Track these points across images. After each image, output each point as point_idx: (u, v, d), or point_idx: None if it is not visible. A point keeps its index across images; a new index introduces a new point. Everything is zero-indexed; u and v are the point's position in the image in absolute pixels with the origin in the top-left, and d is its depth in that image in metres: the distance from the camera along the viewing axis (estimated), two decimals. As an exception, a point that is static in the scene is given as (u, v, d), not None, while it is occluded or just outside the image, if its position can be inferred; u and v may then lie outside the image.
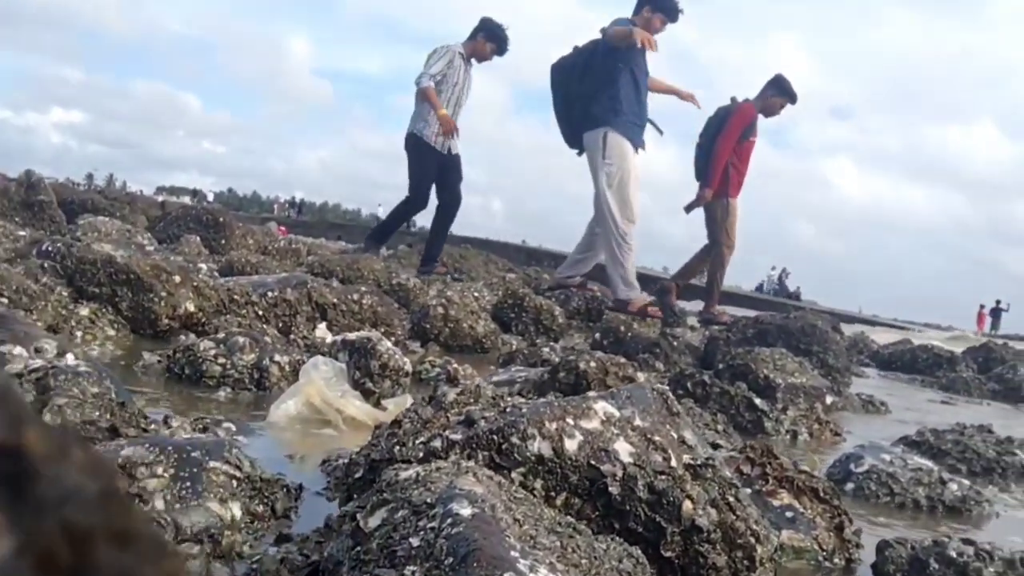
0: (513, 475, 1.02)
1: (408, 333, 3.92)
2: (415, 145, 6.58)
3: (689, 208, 6.47)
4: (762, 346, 3.17)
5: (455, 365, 2.58)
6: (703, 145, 6.57)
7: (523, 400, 1.23)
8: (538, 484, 1.02)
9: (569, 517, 0.90)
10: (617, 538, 0.89)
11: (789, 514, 1.32)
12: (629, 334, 3.98)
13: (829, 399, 2.80)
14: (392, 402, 2.04)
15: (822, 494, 1.36)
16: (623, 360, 2.12)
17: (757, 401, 2.45)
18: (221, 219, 6.46)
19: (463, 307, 3.91)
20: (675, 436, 1.15)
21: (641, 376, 2.06)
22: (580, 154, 6.14)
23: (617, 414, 1.11)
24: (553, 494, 1.02)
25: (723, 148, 6.31)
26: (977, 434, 2.36)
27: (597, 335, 4.18)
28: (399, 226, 7.45)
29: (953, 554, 1.21)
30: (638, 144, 5.83)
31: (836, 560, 1.30)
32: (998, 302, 33.94)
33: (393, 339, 3.90)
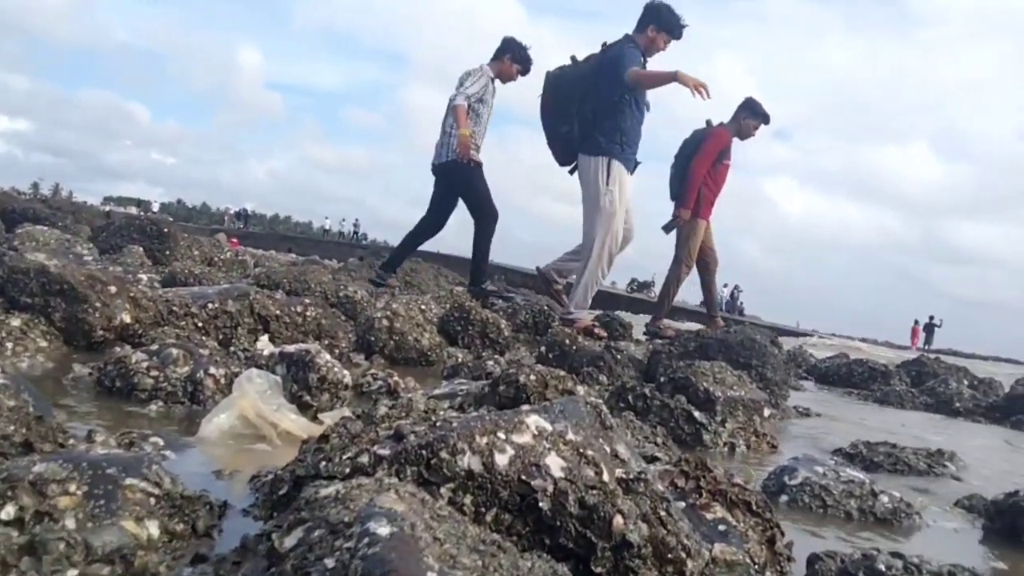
0: (442, 491, 1.00)
1: (353, 345, 3.88)
2: (454, 169, 6.53)
3: (668, 228, 6.58)
4: (703, 359, 3.20)
5: (396, 378, 2.55)
6: (678, 166, 6.66)
7: (455, 414, 1.21)
8: (468, 500, 1.00)
9: (495, 535, 0.88)
10: (544, 555, 0.88)
11: (722, 527, 1.33)
12: (574, 347, 3.99)
13: (767, 412, 2.83)
14: (329, 416, 2.00)
15: (755, 507, 1.37)
16: (563, 373, 2.12)
17: (696, 414, 2.47)
18: (165, 229, 6.32)
19: (408, 320, 3.88)
20: (608, 450, 1.15)
21: (581, 389, 2.06)
22: (572, 172, 6.10)
23: (549, 428, 1.10)
24: (483, 510, 1.01)
25: (698, 170, 6.43)
26: (909, 446, 2.41)
27: (543, 348, 4.18)
28: (488, 251, 7.27)
29: (882, 567, 1.22)
30: (630, 171, 5.87)
31: (768, 574, 1.30)
32: (931, 318, 35.00)
33: (337, 352, 3.85)
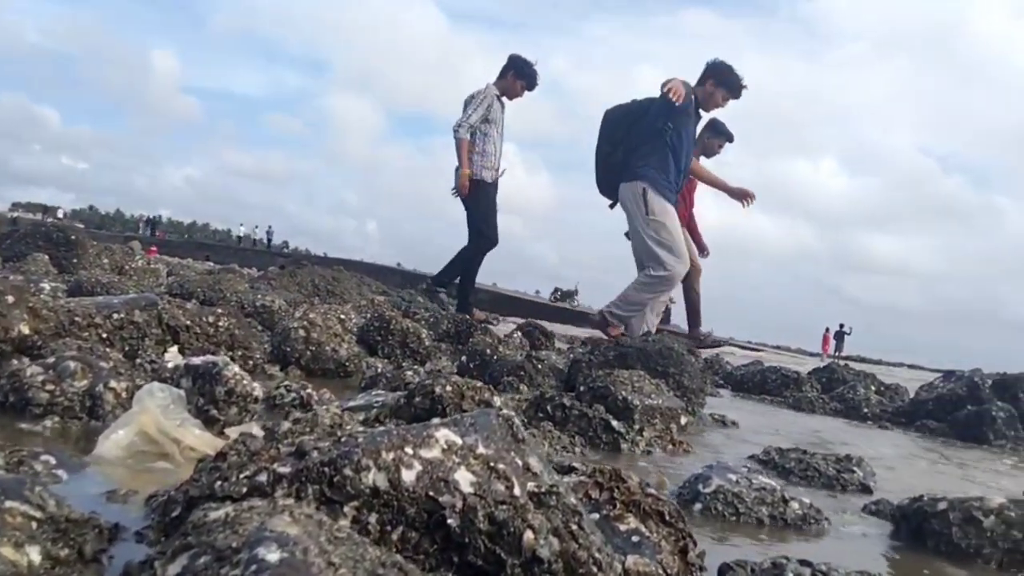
0: (346, 509, 0.96)
1: (268, 356, 3.77)
2: (474, 187, 6.53)
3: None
4: (622, 368, 3.22)
5: (310, 390, 2.48)
6: None
7: (362, 429, 1.17)
8: (373, 519, 0.96)
9: (397, 556, 0.85)
10: (449, 575, 0.85)
11: (635, 538, 1.32)
12: (495, 357, 3.97)
13: (684, 419, 2.87)
14: (237, 430, 1.92)
15: (667, 517, 1.37)
16: (480, 384, 2.09)
17: (614, 423, 2.48)
18: (73, 236, 6.06)
19: (326, 329, 3.79)
20: (520, 463, 1.12)
21: (498, 400, 2.04)
22: (612, 206, 6.24)
23: (459, 442, 1.07)
24: (389, 529, 0.97)
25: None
26: (820, 452, 2.46)
27: (464, 358, 4.15)
28: (476, 271, 7.04)
29: None
30: (670, 200, 5.95)
31: (680, 584, 1.30)
32: (841, 326, 36.33)
33: (251, 363, 3.74)
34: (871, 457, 2.56)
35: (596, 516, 1.35)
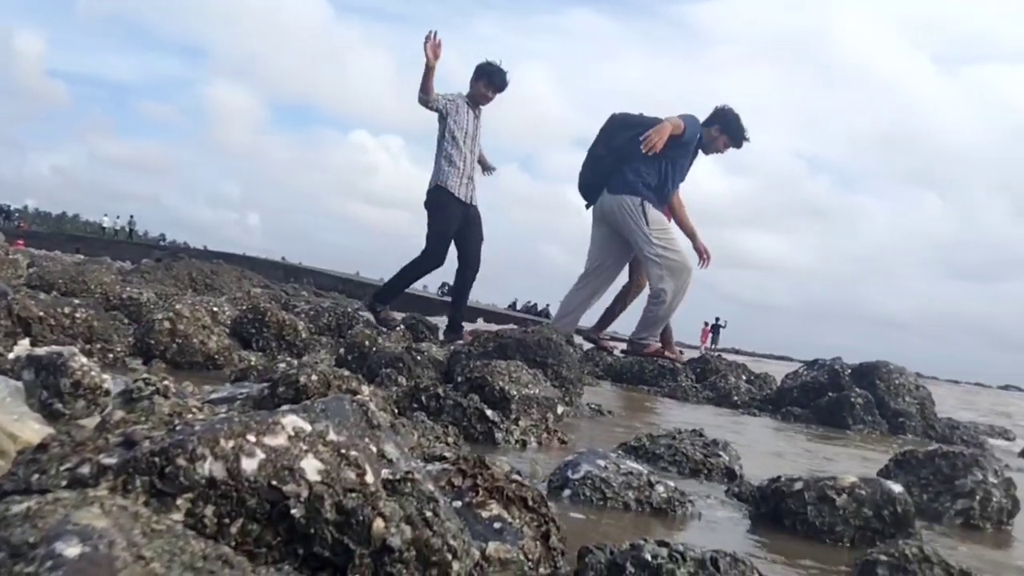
0: (179, 502, 0.89)
1: (131, 349, 3.58)
2: (437, 196, 6.15)
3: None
4: (501, 359, 3.21)
5: (167, 383, 2.35)
6: None
7: (202, 417, 1.10)
8: (209, 511, 0.90)
9: (223, 548, 0.80)
10: (286, 567, 0.81)
11: (497, 525, 1.30)
12: (374, 349, 3.90)
13: (560, 409, 2.89)
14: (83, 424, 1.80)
15: (531, 503, 1.36)
16: (347, 373, 2.03)
17: (489, 412, 2.46)
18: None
19: (194, 321, 3.62)
20: (374, 450, 1.08)
21: (366, 390, 1.99)
22: (588, 207, 6.29)
23: (308, 428, 1.02)
24: (227, 521, 0.91)
25: None
26: (688, 438, 2.52)
27: (342, 350, 4.06)
28: (409, 284, 6.64)
29: (648, 557, 1.24)
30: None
31: (542, 569, 1.29)
32: (717, 319, 37.78)
33: (112, 356, 3.54)
34: (737, 441, 2.65)
35: (458, 504, 1.33)
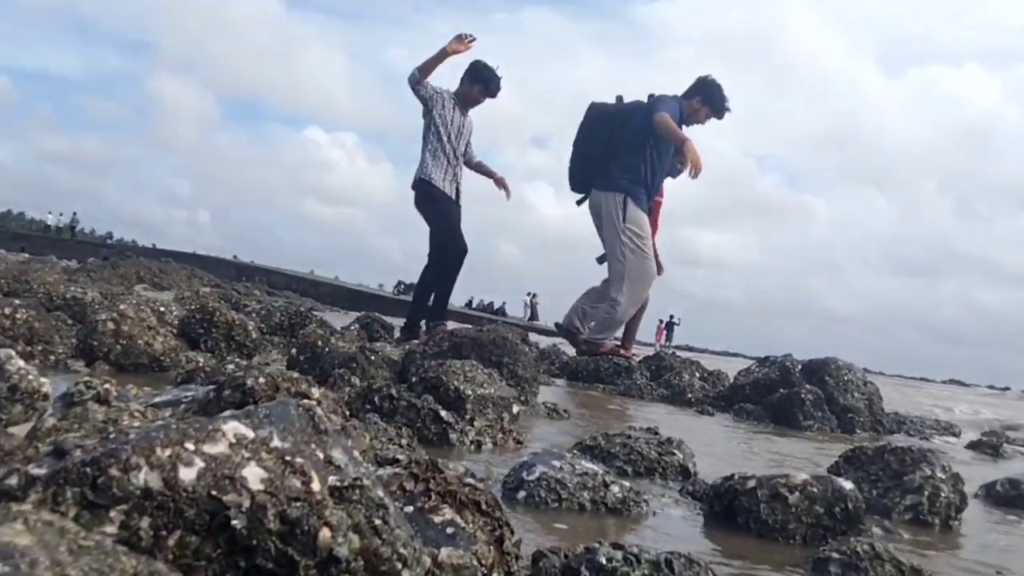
0: (112, 514, 0.85)
1: (73, 351, 3.48)
2: (427, 191, 5.91)
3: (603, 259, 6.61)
4: (457, 359, 3.18)
5: (108, 386, 2.27)
6: None
7: (137, 424, 1.06)
8: (145, 523, 0.86)
9: (157, 564, 0.76)
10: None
11: (450, 530, 1.27)
12: (327, 349, 3.84)
13: (516, 409, 2.86)
14: (19, 430, 1.72)
15: (484, 506, 1.33)
16: (296, 375, 1.98)
17: (443, 413, 2.43)
18: None
19: (139, 322, 3.53)
20: (321, 456, 1.05)
21: (316, 392, 1.94)
22: (580, 203, 6.24)
23: (251, 435, 0.98)
24: (164, 533, 0.87)
25: None
26: (643, 436, 2.52)
27: (294, 351, 3.99)
28: (449, 290, 6.22)
29: (603, 560, 1.22)
30: (644, 211, 6.03)
31: (496, 575, 1.27)
32: (671, 317, 38.14)
33: (53, 358, 3.43)
34: (691, 439, 2.65)
35: (411, 509, 1.30)
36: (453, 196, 6.02)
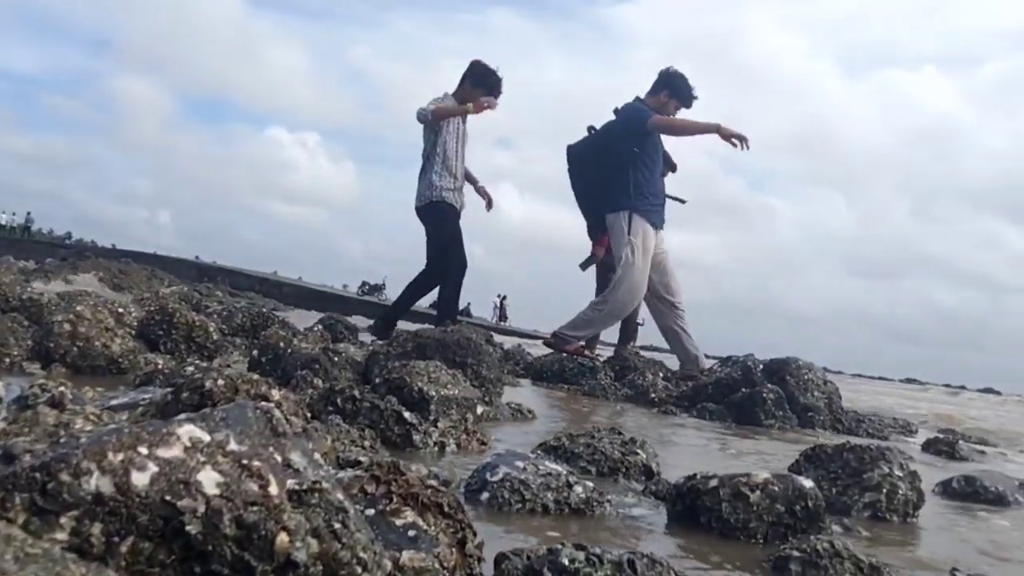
0: (63, 520, 0.83)
1: (29, 353, 3.40)
2: (434, 208, 5.93)
3: (585, 265, 6.73)
4: (421, 359, 3.17)
5: (63, 388, 2.23)
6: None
7: (89, 428, 1.03)
8: (96, 529, 0.84)
9: (109, 572, 0.74)
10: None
11: (412, 533, 1.26)
12: (289, 350, 3.80)
13: (480, 409, 2.86)
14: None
15: (447, 508, 1.32)
16: (256, 377, 1.96)
17: (406, 415, 2.42)
18: None
19: (96, 323, 3.46)
20: (279, 459, 1.03)
21: (276, 394, 1.92)
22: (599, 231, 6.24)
23: (206, 438, 0.97)
24: (116, 540, 0.85)
25: None
26: (606, 436, 2.53)
27: (255, 352, 3.94)
28: (415, 303, 6.34)
29: (565, 561, 1.22)
30: (658, 224, 5.97)
31: (457, 577, 1.26)
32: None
33: (8, 361, 3.36)
34: (655, 440, 2.67)
35: (371, 512, 1.29)
36: (459, 207, 6.11)
